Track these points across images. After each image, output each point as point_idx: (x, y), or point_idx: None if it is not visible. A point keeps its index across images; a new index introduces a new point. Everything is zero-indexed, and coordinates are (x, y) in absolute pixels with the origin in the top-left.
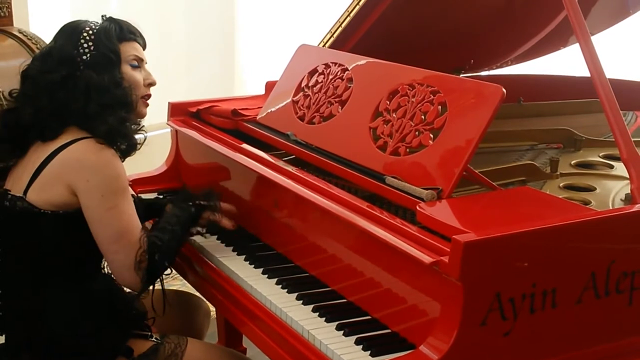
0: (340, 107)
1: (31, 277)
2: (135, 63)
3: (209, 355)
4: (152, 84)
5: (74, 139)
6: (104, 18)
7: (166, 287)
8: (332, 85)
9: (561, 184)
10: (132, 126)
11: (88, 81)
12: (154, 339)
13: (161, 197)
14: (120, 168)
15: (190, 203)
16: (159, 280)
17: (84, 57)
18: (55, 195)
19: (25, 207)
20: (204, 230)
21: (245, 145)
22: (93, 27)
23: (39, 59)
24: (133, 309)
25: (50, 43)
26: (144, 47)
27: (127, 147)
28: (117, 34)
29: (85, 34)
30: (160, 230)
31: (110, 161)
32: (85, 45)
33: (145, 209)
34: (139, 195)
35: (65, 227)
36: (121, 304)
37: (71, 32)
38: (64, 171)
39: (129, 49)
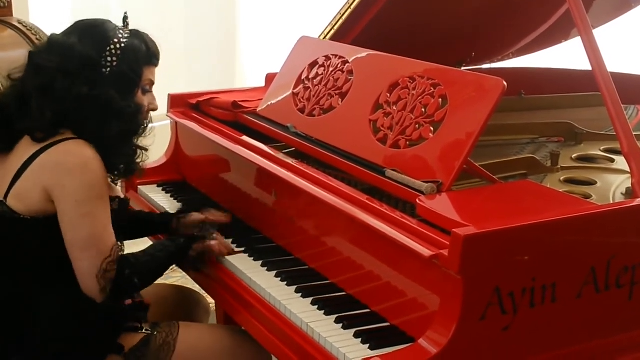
0: (340, 99)
1: (15, 281)
2: (148, 88)
3: (203, 340)
4: (154, 109)
5: (58, 140)
6: (126, 23)
7: (166, 280)
8: (333, 77)
9: (562, 178)
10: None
11: (110, 101)
12: (144, 330)
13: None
14: (99, 173)
15: (182, 237)
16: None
17: (104, 70)
18: (34, 202)
19: (5, 211)
20: (198, 264)
21: (245, 138)
22: (121, 40)
23: (58, 53)
24: (130, 300)
25: (71, 37)
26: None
27: (128, 171)
28: (144, 56)
29: (112, 46)
30: (142, 252)
31: (89, 166)
32: (109, 58)
33: (134, 221)
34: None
35: (45, 233)
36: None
37: (99, 37)
38: (42, 175)
39: (148, 74)
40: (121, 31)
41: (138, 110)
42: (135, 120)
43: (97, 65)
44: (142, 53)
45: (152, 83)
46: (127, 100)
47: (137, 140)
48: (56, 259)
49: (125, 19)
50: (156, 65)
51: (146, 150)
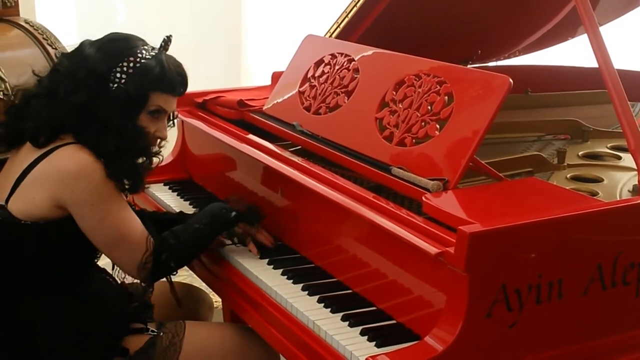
0: (346, 97)
1: (14, 287)
2: (155, 113)
3: (210, 340)
4: (161, 138)
5: (57, 146)
6: (162, 45)
7: (173, 278)
8: (339, 75)
9: (568, 175)
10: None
11: (108, 118)
12: (149, 331)
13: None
14: (102, 174)
15: (233, 211)
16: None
17: (111, 85)
18: (38, 208)
19: (6, 216)
20: (236, 241)
21: (251, 136)
22: (138, 58)
23: (73, 60)
24: (135, 302)
25: (92, 47)
26: (182, 95)
27: (131, 187)
28: (155, 80)
29: (125, 64)
30: (184, 226)
31: (92, 168)
32: (119, 75)
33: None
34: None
35: (46, 237)
36: (118, 303)
37: (114, 52)
38: (46, 182)
39: (157, 100)
40: (144, 51)
41: (138, 131)
42: (134, 140)
43: (104, 79)
44: (152, 77)
45: (162, 110)
46: (126, 119)
47: (143, 160)
48: (55, 264)
49: (164, 41)
50: (171, 93)
51: (150, 169)
